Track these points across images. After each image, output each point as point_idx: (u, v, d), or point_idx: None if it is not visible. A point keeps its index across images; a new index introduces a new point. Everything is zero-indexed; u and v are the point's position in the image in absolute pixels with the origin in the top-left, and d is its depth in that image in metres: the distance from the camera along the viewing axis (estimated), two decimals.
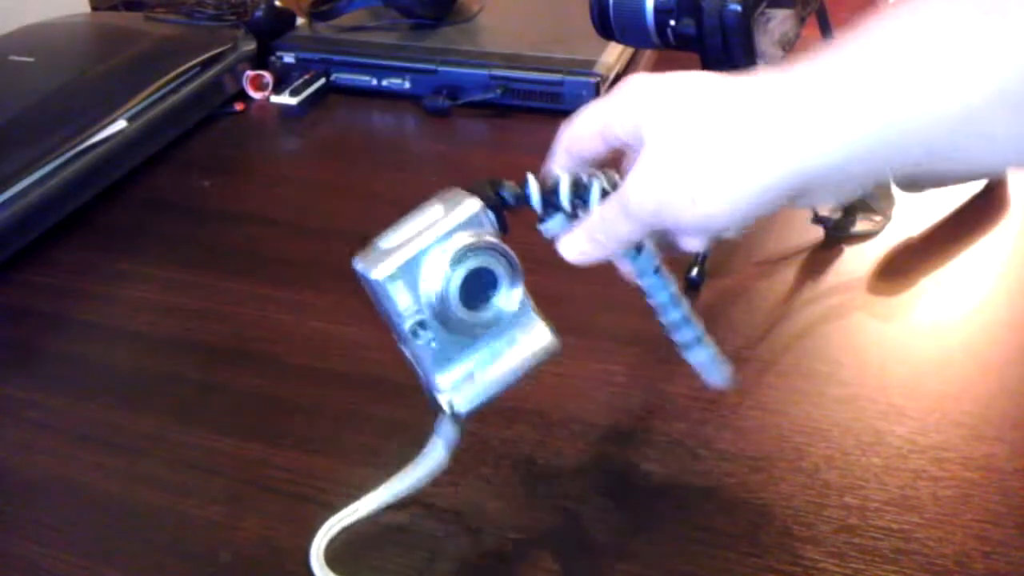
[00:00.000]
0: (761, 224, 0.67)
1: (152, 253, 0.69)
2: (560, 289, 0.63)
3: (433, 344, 0.38)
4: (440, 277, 0.37)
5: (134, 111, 0.79)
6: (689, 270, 0.60)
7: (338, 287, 0.63)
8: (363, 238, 0.39)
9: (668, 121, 0.36)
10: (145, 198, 0.76)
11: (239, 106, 0.90)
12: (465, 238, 0.38)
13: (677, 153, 0.36)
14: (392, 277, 0.37)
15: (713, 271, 0.61)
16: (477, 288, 0.38)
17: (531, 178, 0.40)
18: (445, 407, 0.40)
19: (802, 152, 0.33)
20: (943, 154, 0.32)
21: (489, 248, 0.38)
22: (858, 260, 0.63)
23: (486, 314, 0.39)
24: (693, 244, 0.41)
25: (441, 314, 0.38)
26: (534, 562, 0.43)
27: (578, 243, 0.41)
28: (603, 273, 0.64)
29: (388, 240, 0.38)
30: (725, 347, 0.56)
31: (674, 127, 0.36)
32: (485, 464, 0.49)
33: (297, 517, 0.46)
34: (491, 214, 0.39)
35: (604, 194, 0.39)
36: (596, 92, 0.83)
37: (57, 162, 0.71)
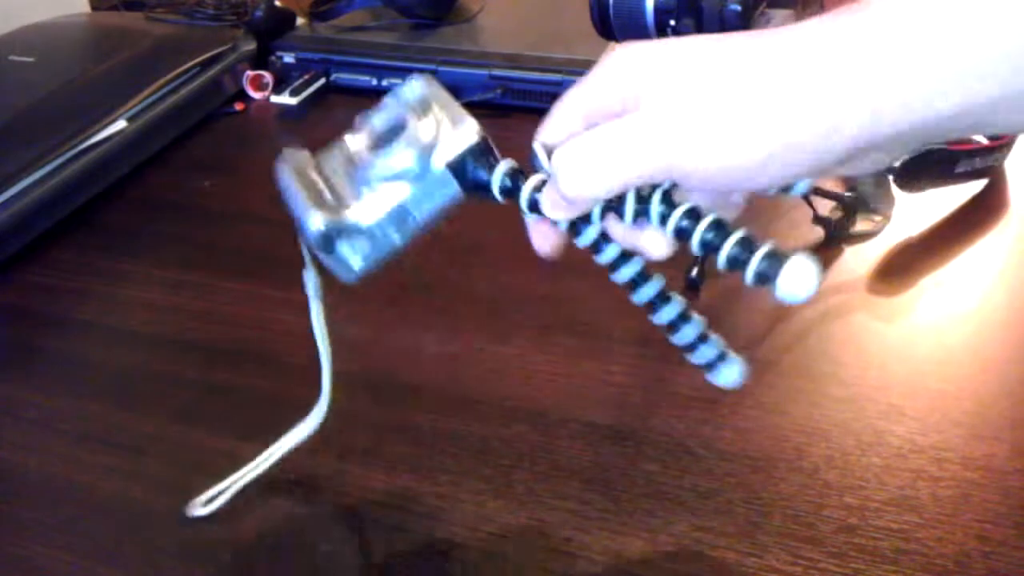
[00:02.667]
0: (761, 224, 0.67)
1: (152, 253, 0.69)
2: (560, 289, 0.64)
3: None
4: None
5: (134, 111, 0.79)
6: (689, 270, 0.60)
7: (338, 287, 0.63)
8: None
9: (685, 73, 0.30)
10: (145, 198, 0.76)
11: (239, 106, 0.90)
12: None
13: (711, 92, 0.30)
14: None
15: (713, 271, 0.61)
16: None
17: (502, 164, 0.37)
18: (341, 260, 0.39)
19: (890, 98, 0.27)
20: None
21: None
22: (858, 260, 0.63)
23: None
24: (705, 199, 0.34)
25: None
26: (534, 562, 0.43)
27: (549, 195, 0.35)
28: (603, 273, 0.64)
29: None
30: None
31: (697, 76, 0.30)
32: (485, 464, 0.49)
33: (297, 517, 0.46)
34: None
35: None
36: None
37: (57, 162, 0.71)
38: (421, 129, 0.35)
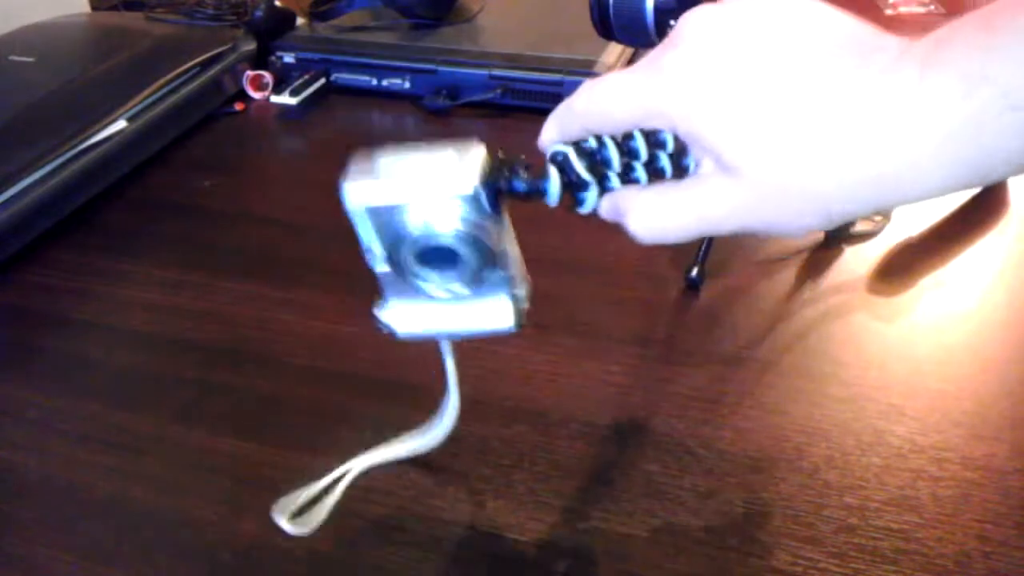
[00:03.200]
0: None
1: (152, 253, 0.69)
2: (560, 289, 0.64)
3: (389, 277, 0.38)
4: (409, 231, 0.35)
5: (134, 111, 0.79)
6: (689, 270, 0.60)
7: (338, 287, 0.63)
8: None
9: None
10: (145, 198, 0.76)
11: (239, 106, 0.90)
12: (453, 217, 0.35)
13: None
14: (366, 209, 0.36)
15: (713, 271, 0.61)
16: (438, 258, 0.36)
17: (553, 172, 0.36)
18: (382, 322, 0.40)
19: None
20: None
21: (467, 238, 0.35)
22: (858, 260, 0.63)
23: (444, 278, 0.37)
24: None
25: (394, 261, 0.37)
26: (534, 562, 0.43)
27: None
28: (603, 273, 0.65)
29: (387, 165, 0.35)
30: (724, 347, 0.57)
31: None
32: (485, 464, 0.49)
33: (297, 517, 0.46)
34: (490, 194, 0.36)
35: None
36: None
37: (57, 162, 0.71)
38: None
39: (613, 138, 0.35)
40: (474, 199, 0.34)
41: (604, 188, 0.35)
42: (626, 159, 0.34)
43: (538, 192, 0.35)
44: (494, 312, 0.38)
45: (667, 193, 0.33)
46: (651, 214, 0.33)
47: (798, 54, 0.29)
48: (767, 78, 0.29)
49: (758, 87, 0.29)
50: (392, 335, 0.40)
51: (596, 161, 0.35)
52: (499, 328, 0.39)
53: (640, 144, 0.34)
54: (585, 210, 0.36)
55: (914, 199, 0.29)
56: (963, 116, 0.26)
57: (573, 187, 0.35)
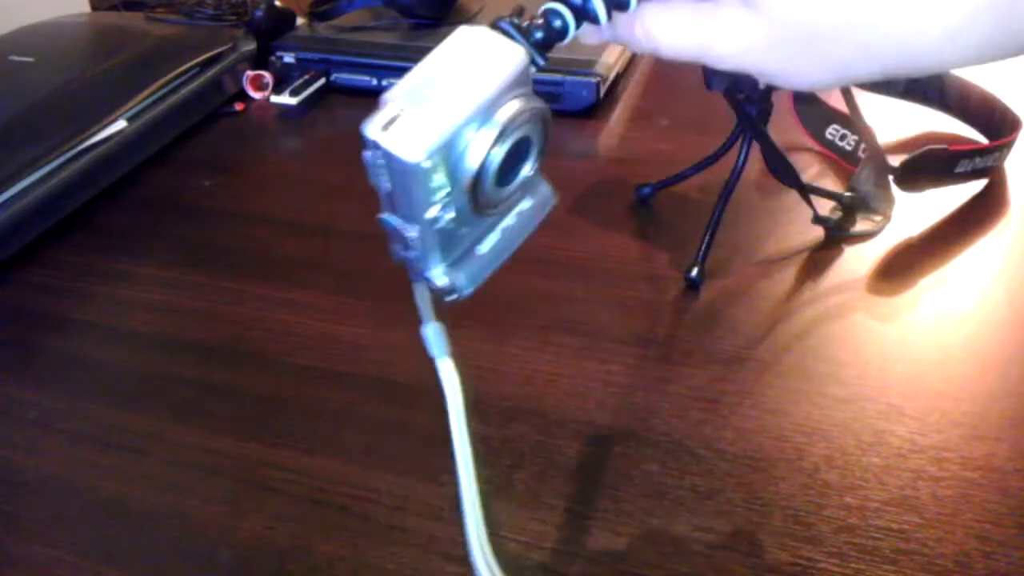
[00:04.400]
0: (762, 224, 0.67)
1: (152, 253, 0.69)
2: (560, 289, 0.64)
3: (450, 225, 0.32)
4: (480, 155, 0.30)
5: (134, 111, 0.79)
6: (689, 270, 0.60)
7: (338, 287, 0.63)
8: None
9: None
10: (145, 198, 0.76)
11: (239, 106, 0.90)
12: (514, 106, 0.31)
13: None
14: (431, 158, 0.29)
15: (713, 271, 0.61)
16: (512, 162, 0.32)
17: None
18: (448, 292, 0.36)
19: None
20: None
21: (535, 115, 0.32)
22: (858, 260, 0.63)
23: (512, 188, 0.33)
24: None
25: (472, 196, 0.31)
26: (534, 562, 0.43)
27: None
28: (603, 273, 0.65)
29: (415, 99, 0.30)
30: (724, 347, 0.57)
31: None
32: (485, 464, 0.48)
33: (297, 517, 0.46)
34: (531, 58, 0.33)
35: None
36: (596, 92, 0.83)
37: (57, 162, 0.71)
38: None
39: None
40: (525, 74, 0.32)
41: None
42: None
43: (583, 12, 0.33)
44: (537, 197, 0.35)
45: (680, 7, 0.32)
46: (656, 22, 0.32)
47: None
48: None
49: None
50: (459, 298, 0.36)
51: None
52: (545, 203, 0.35)
53: None
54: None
55: (932, 69, 0.28)
56: None
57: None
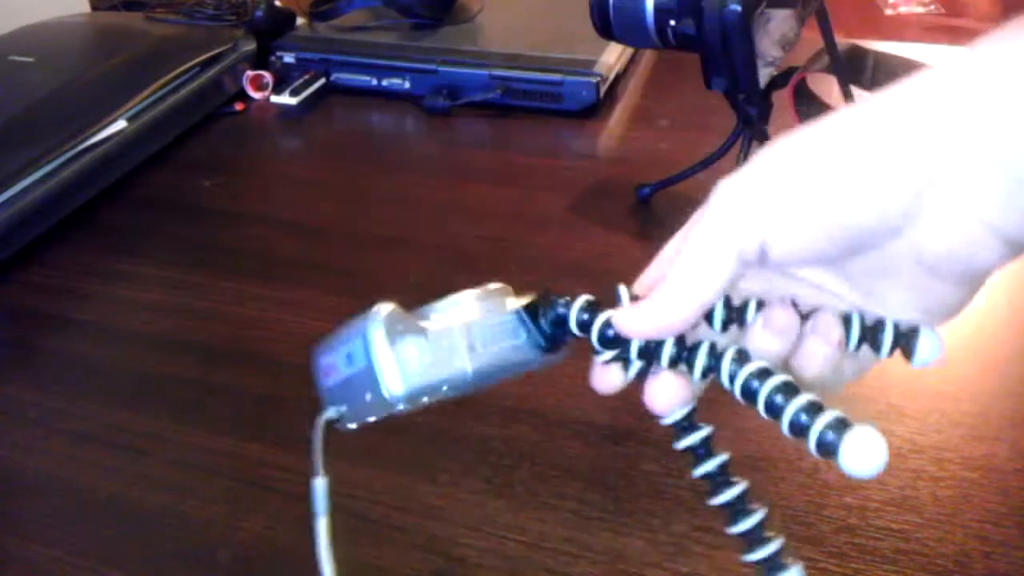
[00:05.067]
0: None
1: (152, 253, 0.69)
2: (560, 289, 0.64)
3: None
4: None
5: (134, 111, 0.79)
6: None
7: (338, 287, 0.63)
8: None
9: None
10: (145, 198, 0.76)
11: (239, 106, 0.90)
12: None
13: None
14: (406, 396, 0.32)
15: None
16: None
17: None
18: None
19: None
20: None
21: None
22: None
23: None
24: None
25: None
26: (534, 562, 0.43)
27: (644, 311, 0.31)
28: (603, 273, 0.65)
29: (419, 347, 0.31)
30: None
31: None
32: (485, 464, 0.49)
33: (297, 517, 0.46)
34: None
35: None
36: (596, 92, 0.83)
37: (57, 162, 0.71)
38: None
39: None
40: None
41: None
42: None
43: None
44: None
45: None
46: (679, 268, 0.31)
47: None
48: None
49: None
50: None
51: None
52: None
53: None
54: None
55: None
56: None
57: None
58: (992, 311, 0.58)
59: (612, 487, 0.47)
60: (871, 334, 0.32)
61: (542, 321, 0.33)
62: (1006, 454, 0.47)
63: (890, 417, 0.50)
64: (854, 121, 0.29)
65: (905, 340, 0.31)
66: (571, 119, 0.85)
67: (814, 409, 0.29)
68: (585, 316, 0.33)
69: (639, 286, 0.34)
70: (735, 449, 0.49)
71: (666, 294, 0.30)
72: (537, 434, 0.50)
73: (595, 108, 0.85)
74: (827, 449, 0.27)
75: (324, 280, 0.64)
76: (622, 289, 0.32)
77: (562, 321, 0.33)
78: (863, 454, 0.27)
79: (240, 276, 0.65)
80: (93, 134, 0.74)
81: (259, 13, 0.96)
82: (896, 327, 0.31)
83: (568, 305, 0.33)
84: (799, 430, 0.28)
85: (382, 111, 0.90)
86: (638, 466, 0.48)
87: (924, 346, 0.31)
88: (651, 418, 0.52)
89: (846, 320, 0.32)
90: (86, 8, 1.07)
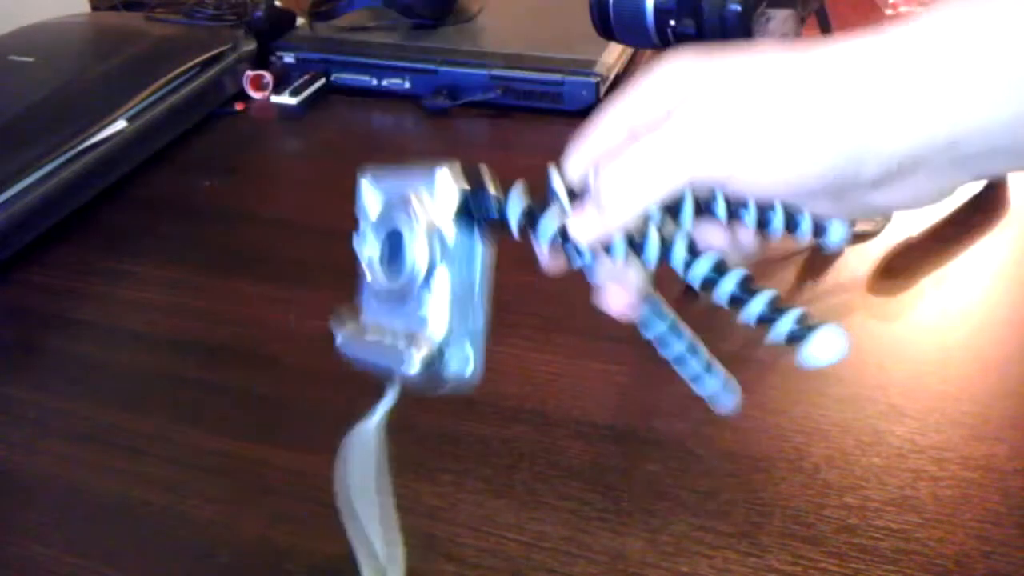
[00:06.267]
0: None
1: (152, 253, 0.69)
2: (560, 289, 0.64)
3: None
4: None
5: (134, 111, 0.79)
6: None
7: (338, 287, 0.63)
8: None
9: (733, 82, 0.29)
10: (145, 198, 0.76)
11: (239, 106, 0.90)
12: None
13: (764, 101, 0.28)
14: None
15: None
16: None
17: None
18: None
19: (958, 108, 0.26)
20: None
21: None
22: (858, 260, 0.63)
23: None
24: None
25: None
26: (534, 562, 0.43)
27: (588, 217, 0.32)
28: None
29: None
30: (724, 347, 0.57)
31: (745, 84, 0.29)
32: (485, 464, 0.49)
33: (297, 517, 0.46)
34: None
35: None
36: (596, 92, 0.83)
37: (57, 162, 0.71)
38: (411, 221, 0.34)
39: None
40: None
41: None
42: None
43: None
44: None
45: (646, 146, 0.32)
46: (627, 162, 0.32)
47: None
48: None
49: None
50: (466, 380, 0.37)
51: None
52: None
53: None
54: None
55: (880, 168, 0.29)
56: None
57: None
58: (992, 311, 0.58)
59: (612, 487, 0.47)
60: (792, 223, 0.34)
61: (484, 224, 0.34)
62: (1006, 454, 0.47)
63: (890, 417, 0.50)
64: (825, 69, 0.29)
65: (821, 230, 0.34)
66: (571, 119, 0.85)
67: (777, 303, 0.31)
68: (524, 221, 0.34)
69: (576, 162, 0.35)
70: (735, 449, 0.49)
71: (610, 200, 0.31)
72: (537, 434, 0.50)
73: (595, 108, 0.85)
74: (794, 338, 0.30)
75: (324, 280, 0.64)
76: (555, 181, 0.34)
77: (499, 223, 0.34)
78: (828, 346, 0.29)
79: (240, 276, 0.65)
80: (93, 134, 0.74)
81: (259, 13, 0.96)
82: (813, 218, 0.34)
83: (502, 205, 0.34)
84: (765, 321, 0.31)
85: (382, 111, 0.90)
86: (638, 466, 0.48)
87: (836, 231, 0.34)
88: (652, 418, 0.52)
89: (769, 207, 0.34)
90: (86, 8, 1.07)
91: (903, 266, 0.63)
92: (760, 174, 0.29)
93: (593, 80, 0.83)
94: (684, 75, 0.31)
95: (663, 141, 0.30)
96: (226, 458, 0.50)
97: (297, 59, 0.93)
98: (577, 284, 0.65)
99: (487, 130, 0.86)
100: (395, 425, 0.52)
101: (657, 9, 0.60)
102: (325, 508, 0.46)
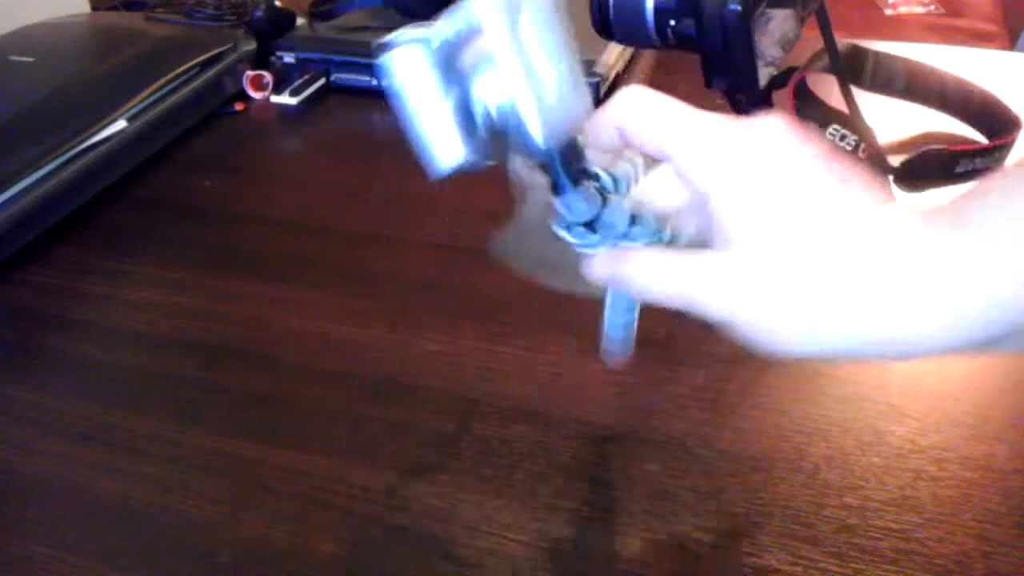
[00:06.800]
0: None
1: (152, 253, 0.69)
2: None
3: None
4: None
5: (134, 111, 0.79)
6: None
7: (338, 287, 0.63)
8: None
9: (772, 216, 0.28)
10: (145, 198, 0.76)
11: (239, 106, 0.90)
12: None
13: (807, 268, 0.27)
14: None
15: None
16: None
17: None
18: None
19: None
20: None
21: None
22: None
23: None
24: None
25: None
26: (534, 562, 0.43)
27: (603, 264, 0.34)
28: None
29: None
30: (724, 347, 0.56)
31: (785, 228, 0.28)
32: (485, 464, 0.49)
33: (297, 517, 0.46)
34: None
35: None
36: (596, 92, 0.83)
37: (57, 162, 0.71)
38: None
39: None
40: None
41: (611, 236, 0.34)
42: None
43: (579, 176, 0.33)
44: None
45: (665, 255, 0.33)
46: (642, 268, 0.33)
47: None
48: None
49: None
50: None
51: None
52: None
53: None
54: (590, 238, 0.35)
55: (921, 354, 0.27)
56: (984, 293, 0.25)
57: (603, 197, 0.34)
58: None
59: (612, 487, 0.47)
60: None
61: None
62: (1006, 454, 0.47)
63: (890, 417, 0.50)
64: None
65: None
66: None
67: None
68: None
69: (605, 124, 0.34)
70: (735, 449, 0.49)
71: (626, 280, 0.34)
72: (537, 434, 0.50)
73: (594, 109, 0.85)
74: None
75: (324, 280, 0.64)
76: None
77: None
78: None
79: (240, 276, 0.65)
80: (93, 134, 0.74)
81: (259, 13, 0.95)
82: None
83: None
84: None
85: (382, 111, 0.90)
86: (638, 466, 0.48)
87: None
88: (652, 418, 0.52)
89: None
90: (86, 8, 1.07)
91: None
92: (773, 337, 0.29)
93: (593, 80, 0.83)
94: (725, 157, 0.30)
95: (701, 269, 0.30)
96: (226, 458, 0.50)
97: (297, 59, 0.93)
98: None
99: None
100: (395, 425, 0.52)
101: (657, 9, 0.60)
102: (325, 508, 0.46)
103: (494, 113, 0.31)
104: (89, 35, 0.96)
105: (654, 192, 0.35)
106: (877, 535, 0.43)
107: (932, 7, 1.68)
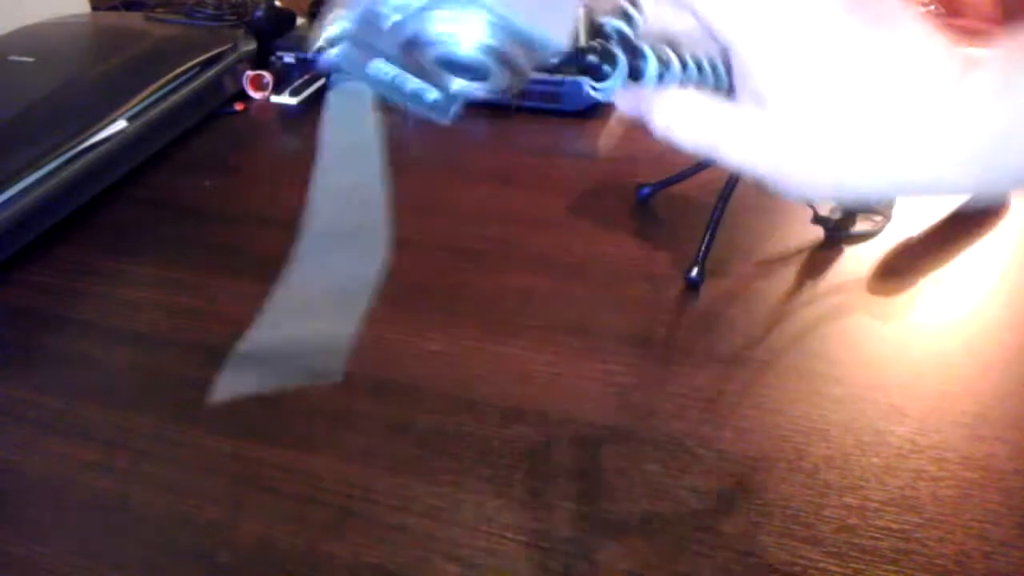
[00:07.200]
0: (763, 224, 0.68)
1: (152, 253, 0.69)
2: (560, 289, 0.64)
3: None
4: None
5: (134, 111, 0.79)
6: (689, 270, 0.60)
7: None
8: None
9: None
10: (145, 198, 0.76)
11: (239, 106, 0.90)
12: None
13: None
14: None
15: (713, 271, 0.61)
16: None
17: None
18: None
19: None
20: None
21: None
22: (858, 260, 0.63)
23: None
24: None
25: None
26: (534, 562, 0.43)
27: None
28: (603, 273, 0.65)
29: None
30: (724, 347, 0.57)
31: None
32: (485, 464, 0.49)
33: (297, 517, 0.46)
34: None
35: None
36: None
37: (57, 162, 0.71)
38: None
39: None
40: None
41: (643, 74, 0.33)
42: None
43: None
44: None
45: (697, 102, 0.32)
46: (673, 113, 0.32)
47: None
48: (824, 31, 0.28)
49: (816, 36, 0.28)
50: None
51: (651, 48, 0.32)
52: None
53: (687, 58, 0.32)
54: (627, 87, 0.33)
55: (941, 190, 0.28)
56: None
57: (633, 57, 0.33)
58: (992, 312, 0.58)
59: (612, 487, 0.47)
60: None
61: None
62: (1006, 454, 0.47)
63: (890, 417, 0.50)
64: None
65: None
66: (571, 119, 0.85)
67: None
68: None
69: None
70: (735, 449, 0.49)
71: (661, 122, 0.31)
72: (537, 434, 0.50)
73: (595, 108, 0.85)
74: None
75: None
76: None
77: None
78: None
79: (240, 276, 0.65)
80: (93, 134, 0.74)
81: (259, 13, 0.96)
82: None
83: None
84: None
85: (381, 111, 0.90)
86: (638, 466, 0.48)
87: None
88: (652, 418, 0.52)
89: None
90: (86, 8, 1.07)
91: (903, 266, 0.63)
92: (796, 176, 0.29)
93: None
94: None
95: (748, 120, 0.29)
96: (226, 458, 0.50)
97: (297, 59, 0.93)
98: (576, 285, 0.65)
99: (487, 130, 0.86)
100: (395, 425, 0.52)
101: None
102: (325, 508, 0.46)
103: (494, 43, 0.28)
104: (89, 35, 0.96)
105: (666, 17, 0.34)
106: (877, 535, 0.43)
107: (932, 7, 1.68)
